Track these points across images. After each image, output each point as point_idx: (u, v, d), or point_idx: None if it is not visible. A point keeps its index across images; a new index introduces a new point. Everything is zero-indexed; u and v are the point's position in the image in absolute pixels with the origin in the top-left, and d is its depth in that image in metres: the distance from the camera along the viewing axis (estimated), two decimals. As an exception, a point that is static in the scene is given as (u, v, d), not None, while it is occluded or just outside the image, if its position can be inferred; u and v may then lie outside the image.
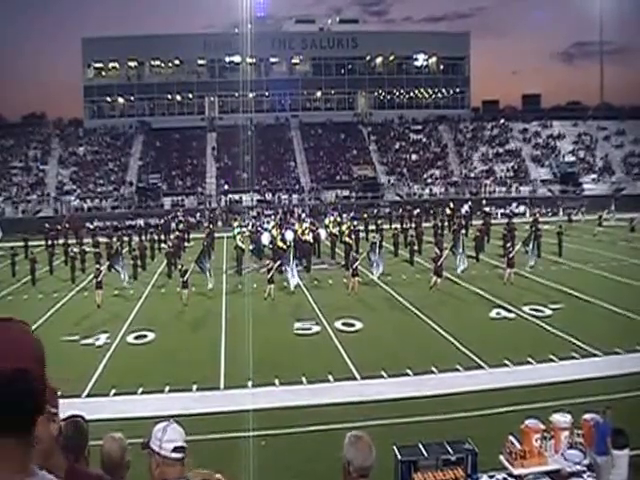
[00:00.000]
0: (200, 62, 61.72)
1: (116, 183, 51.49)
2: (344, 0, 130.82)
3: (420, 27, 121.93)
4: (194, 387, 14.78)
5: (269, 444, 11.83)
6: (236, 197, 50.04)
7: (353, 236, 32.40)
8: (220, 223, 45.32)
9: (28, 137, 55.91)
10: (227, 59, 61.15)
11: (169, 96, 61.58)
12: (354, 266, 24.52)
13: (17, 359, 1.40)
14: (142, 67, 61.96)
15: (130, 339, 19.07)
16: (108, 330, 19.85)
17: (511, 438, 9.67)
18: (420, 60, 65.01)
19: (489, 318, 20.29)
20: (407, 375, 15.25)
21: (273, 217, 42.09)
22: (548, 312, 20.49)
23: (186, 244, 35.97)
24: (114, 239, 34.79)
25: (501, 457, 9.67)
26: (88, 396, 14.20)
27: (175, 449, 2.91)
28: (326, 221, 36.82)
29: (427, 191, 52.10)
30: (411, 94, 65.14)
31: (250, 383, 14.92)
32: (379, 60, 64.47)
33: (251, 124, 54.77)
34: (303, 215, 43.53)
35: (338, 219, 37.93)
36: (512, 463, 9.43)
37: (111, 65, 61.38)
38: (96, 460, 3.40)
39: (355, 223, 36.45)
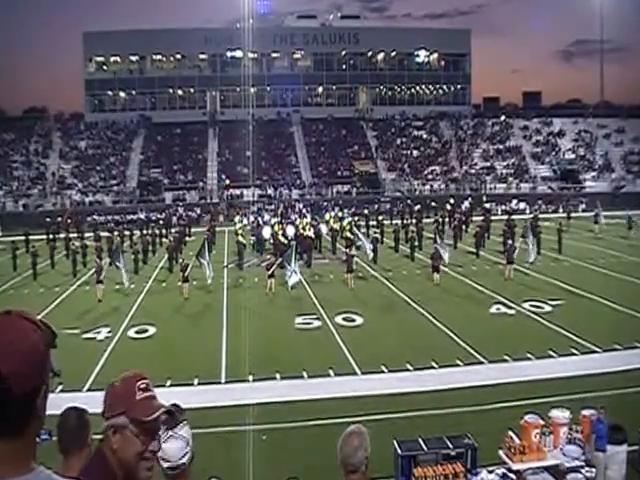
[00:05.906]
0: (202, 57, 61.60)
1: (117, 177, 51.51)
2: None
3: (420, 24, 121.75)
4: (195, 381, 14.86)
5: (270, 438, 11.91)
6: (237, 192, 50.09)
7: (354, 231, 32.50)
8: (221, 218, 45.36)
9: (29, 131, 55.85)
10: (229, 54, 60.99)
11: (170, 90, 61.54)
12: (349, 262, 24.73)
13: None
14: (144, 61, 61.83)
15: (131, 333, 19.13)
16: (109, 324, 19.93)
17: (510, 433, 9.74)
18: (421, 56, 64.92)
19: (489, 314, 20.37)
20: (407, 370, 15.33)
21: (274, 212, 42.12)
22: (548, 308, 20.57)
23: (187, 238, 36.05)
24: (115, 233, 34.89)
25: (500, 452, 9.74)
26: (89, 390, 14.25)
27: (168, 469, 2.48)
28: (327, 216, 36.87)
29: (428, 187, 52.13)
30: (412, 90, 65.11)
31: (251, 377, 15.00)
32: (380, 56, 64.37)
33: (252, 119, 54.72)
34: (304, 210, 43.57)
35: (339, 214, 37.99)
36: (511, 458, 9.50)
37: (113, 59, 61.29)
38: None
39: (356, 218, 36.50)
